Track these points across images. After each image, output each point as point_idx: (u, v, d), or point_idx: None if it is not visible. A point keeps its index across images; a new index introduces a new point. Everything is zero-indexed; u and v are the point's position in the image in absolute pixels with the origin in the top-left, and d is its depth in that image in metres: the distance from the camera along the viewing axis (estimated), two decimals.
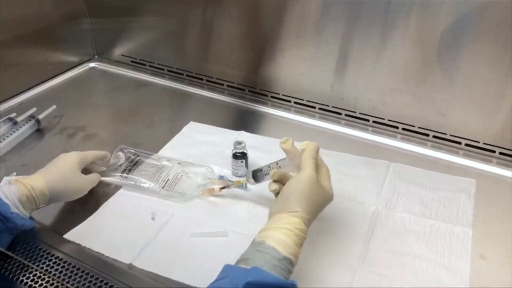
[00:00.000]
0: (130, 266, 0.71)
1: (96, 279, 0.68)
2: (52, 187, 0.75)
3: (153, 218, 0.80)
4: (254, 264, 0.57)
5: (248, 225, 0.78)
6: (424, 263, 0.71)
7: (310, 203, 0.65)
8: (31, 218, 0.73)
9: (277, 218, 0.63)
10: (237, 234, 0.76)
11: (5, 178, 0.88)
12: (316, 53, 1.04)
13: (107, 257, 0.73)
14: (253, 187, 0.83)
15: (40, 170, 0.78)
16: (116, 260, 0.72)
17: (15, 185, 0.72)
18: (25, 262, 0.71)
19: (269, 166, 0.78)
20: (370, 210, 0.81)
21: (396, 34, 0.93)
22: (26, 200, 0.71)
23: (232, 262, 0.59)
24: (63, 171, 0.79)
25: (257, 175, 0.79)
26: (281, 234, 0.60)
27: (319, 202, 0.68)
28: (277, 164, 0.76)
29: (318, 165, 0.71)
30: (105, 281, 0.68)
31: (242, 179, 0.82)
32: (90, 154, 0.86)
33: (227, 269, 0.58)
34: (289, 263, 0.59)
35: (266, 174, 0.78)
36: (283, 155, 0.75)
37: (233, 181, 0.84)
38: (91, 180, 0.84)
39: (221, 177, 0.87)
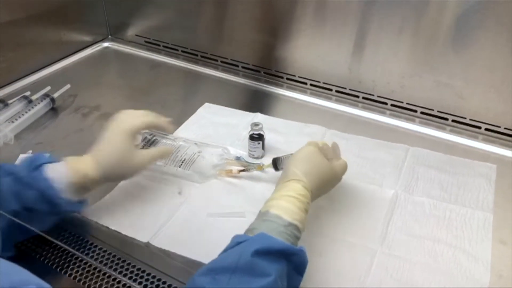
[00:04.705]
0: (147, 245, 0.71)
1: (114, 256, 0.69)
2: (106, 174, 0.69)
3: (179, 193, 0.81)
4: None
5: None
6: (444, 247, 0.70)
7: (312, 172, 0.66)
8: (80, 202, 0.69)
9: (280, 188, 0.65)
10: (255, 215, 0.74)
11: (21, 156, 0.87)
12: (333, 34, 1.02)
13: (124, 235, 0.73)
14: (271, 169, 0.83)
15: (94, 153, 0.70)
16: (133, 238, 0.72)
17: (65, 168, 0.66)
18: (45, 236, 0.70)
19: (287, 157, 0.77)
20: (389, 193, 0.80)
21: (416, 15, 0.90)
22: (76, 188, 0.67)
23: None
24: (117, 152, 0.70)
25: (277, 164, 0.79)
26: (284, 202, 0.62)
27: (322, 175, 0.68)
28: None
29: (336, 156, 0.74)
30: (122, 259, 0.68)
31: (264, 165, 0.81)
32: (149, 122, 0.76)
33: (235, 238, 0.59)
34: (295, 229, 0.60)
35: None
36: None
37: (253, 163, 0.84)
38: (150, 156, 0.74)
39: (238, 158, 0.86)
